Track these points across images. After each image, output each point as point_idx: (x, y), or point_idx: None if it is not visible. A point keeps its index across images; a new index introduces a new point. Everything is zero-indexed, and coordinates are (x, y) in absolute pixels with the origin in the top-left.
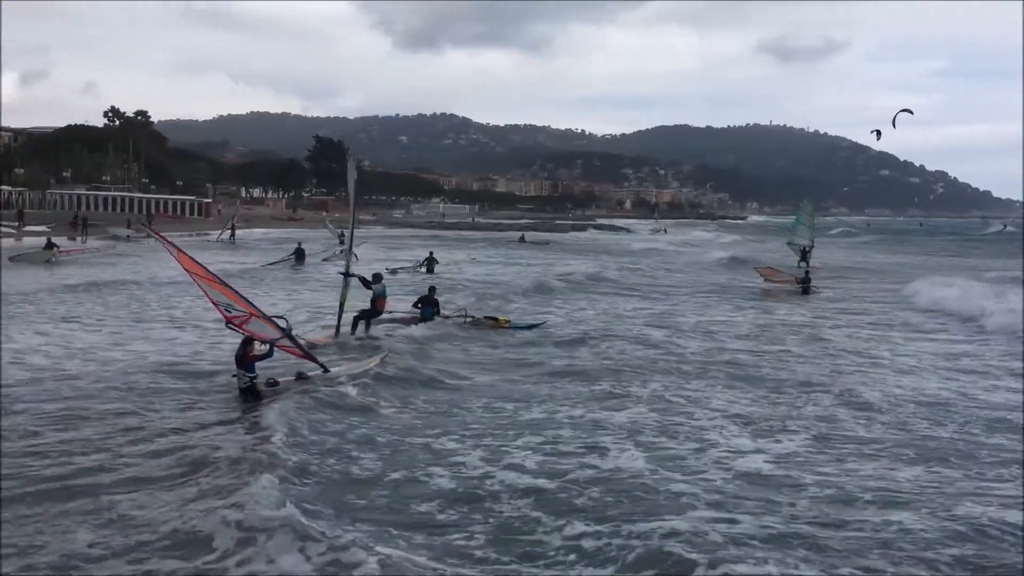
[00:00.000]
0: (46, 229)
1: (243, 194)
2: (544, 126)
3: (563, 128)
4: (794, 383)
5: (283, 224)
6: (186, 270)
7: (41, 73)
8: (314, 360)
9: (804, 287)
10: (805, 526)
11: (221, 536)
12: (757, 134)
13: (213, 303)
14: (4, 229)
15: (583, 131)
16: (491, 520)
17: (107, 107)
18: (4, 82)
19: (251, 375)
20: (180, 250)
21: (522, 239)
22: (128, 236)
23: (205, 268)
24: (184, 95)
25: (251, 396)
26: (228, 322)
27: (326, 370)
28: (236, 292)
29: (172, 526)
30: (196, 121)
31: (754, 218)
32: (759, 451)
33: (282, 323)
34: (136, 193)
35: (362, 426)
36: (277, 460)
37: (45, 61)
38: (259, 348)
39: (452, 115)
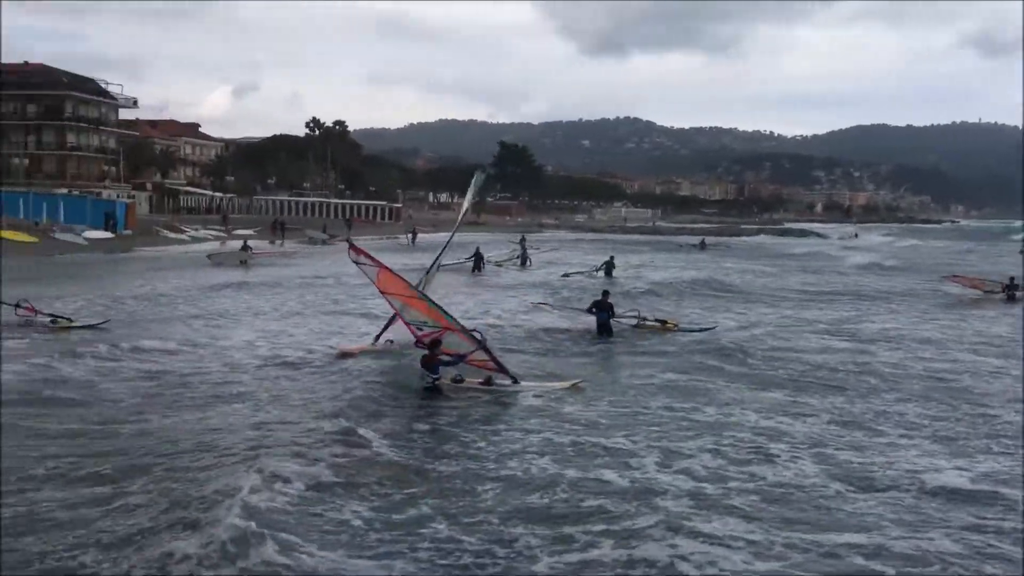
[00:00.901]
0: (252, 233)
1: (430, 199)
2: (730, 128)
3: (750, 130)
4: (997, 398)
5: (468, 228)
6: (383, 292)
7: (252, 87)
8: (505, 372)
9: (1010, 294)
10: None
11: None
12: (963, 132)
13: (405, 323)
14: (214, 232)
15: (771, 132)
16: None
17: (309, 118)
18: (220, 95)
19: (434, 376)
20: (385, 267)
21: (702, 244)
22: (324, 240)
23: (408, 284)
24: (377, 105)
25: (435, 394)
26: (418, 341)
27: (515, 381)
28: (440, 309)
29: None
30: (388, 130)
31: (963, 222)
32: (958, 470)
33: (477, 336)
34: (332, 199)
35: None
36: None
37: (256, 76)
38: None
39: (635, 119)
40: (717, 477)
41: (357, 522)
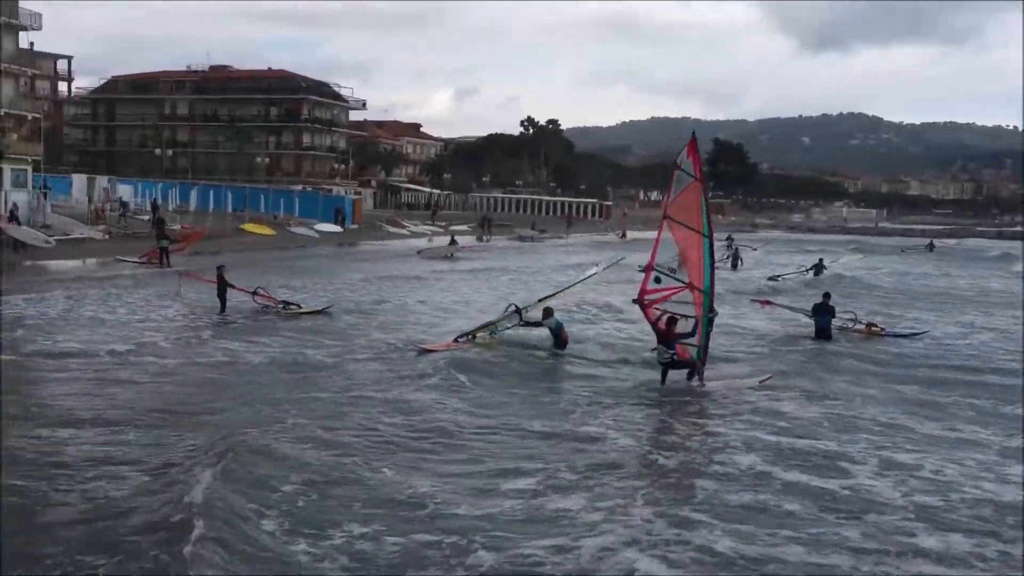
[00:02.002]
0: (467, 228)
1: (641, 196)
2: (967, 123)
3: (991, 124)
4: None
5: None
6: (669, 219)
7: (472, 90)
8: (695, 369)
9: None
10: None
11: None
12: None
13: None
14: (432, 227)
15: (1015, 127)
16: None
17: (523, 117)
18: (442, 97)
19: (671, 352)
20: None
21: (930, 246)
22: (532, 237)
23: (702, 220)
24: (590, 104)
25: (675, 367)
26: (644, 306)
27: (700, 378)
28: (708, 261)
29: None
30: (600, 128)
31: None
32: None
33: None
34: (544, 196)
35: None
36: None
37: (476, 79)
38: (682, 327)
39: (860, 114)
40: (938, 489)
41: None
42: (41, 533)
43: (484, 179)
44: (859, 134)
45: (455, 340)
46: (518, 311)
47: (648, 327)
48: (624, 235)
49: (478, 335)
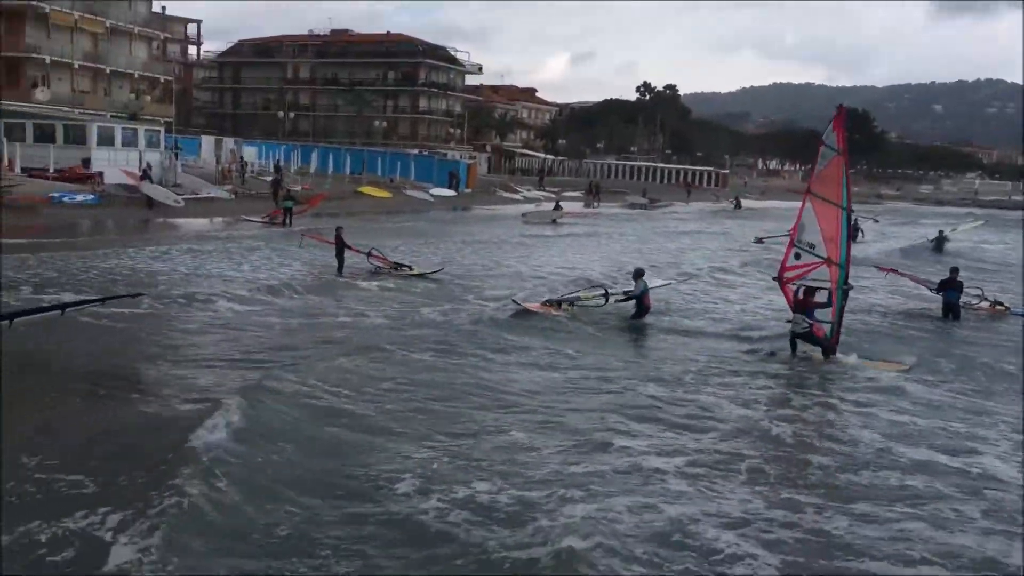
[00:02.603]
0: (579, 194)
1: (759, 165)
2: None
3: None
4: None
5: (798, 196)
6: (811, 193)
7: (588, 55)
8: (826, 347)
9: None
10: None
11: None
12: None
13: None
14: (544, 193)
15: None
16: None
17: (640, 82)
18: (558, 62)
19: (809, 322)
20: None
21: None
22: (644, 205)
23: (840, 193)
24: (710, 70)
25: (806, 340)
26: (783, 283)
27: (832, 353)
28: (845, 236)
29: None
30: (719, 94)
31: None
32: None
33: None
34: (659, 163)
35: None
36: None
37: (593, 44)
38: (819, 297)
39: (999, 80)
40: None
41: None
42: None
43: (598, 145)
44: (996, 103)
45: (545, 303)
46: (606, 295)
47: (744, 296)
48: (739, 205)
49: (563, 305)
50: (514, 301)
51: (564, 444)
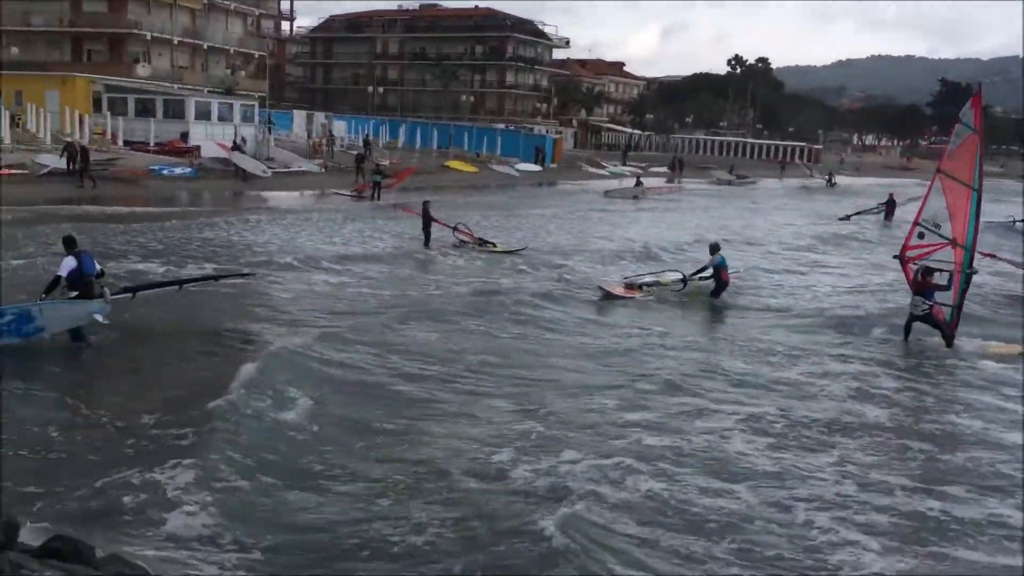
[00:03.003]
0: (667, 171)
1: (854, 141)
2: None
3: None
4: None
5: (895, 173)
6: (942, 173)
7: (679, 27)
8: (945, 332)
9: None
10: None
11: None
12: None
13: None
14: (631, 168)
15: None
16: None
17: (731, 56)
18: (648, 35)
19: (929, 303)
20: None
21: None
22: (730, 181)
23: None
24: (805, 42)
25: (926, 322)
26: (904, 262)
27: (949, 343)
28: (974, 220)
29: None
30: (814, 67)
31: None
32: None
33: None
34: (749, 138)
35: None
36: None
37: (684, 16)
38: (938, 279)
39: None
40: None
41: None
42: None
43: (687, 120)
44: None
45: (627, 286)
46: (684, 279)
47: (832, 275)
48: (832, 182)
49: (644, 288)
50: (599, 287)
51: (648, 419)
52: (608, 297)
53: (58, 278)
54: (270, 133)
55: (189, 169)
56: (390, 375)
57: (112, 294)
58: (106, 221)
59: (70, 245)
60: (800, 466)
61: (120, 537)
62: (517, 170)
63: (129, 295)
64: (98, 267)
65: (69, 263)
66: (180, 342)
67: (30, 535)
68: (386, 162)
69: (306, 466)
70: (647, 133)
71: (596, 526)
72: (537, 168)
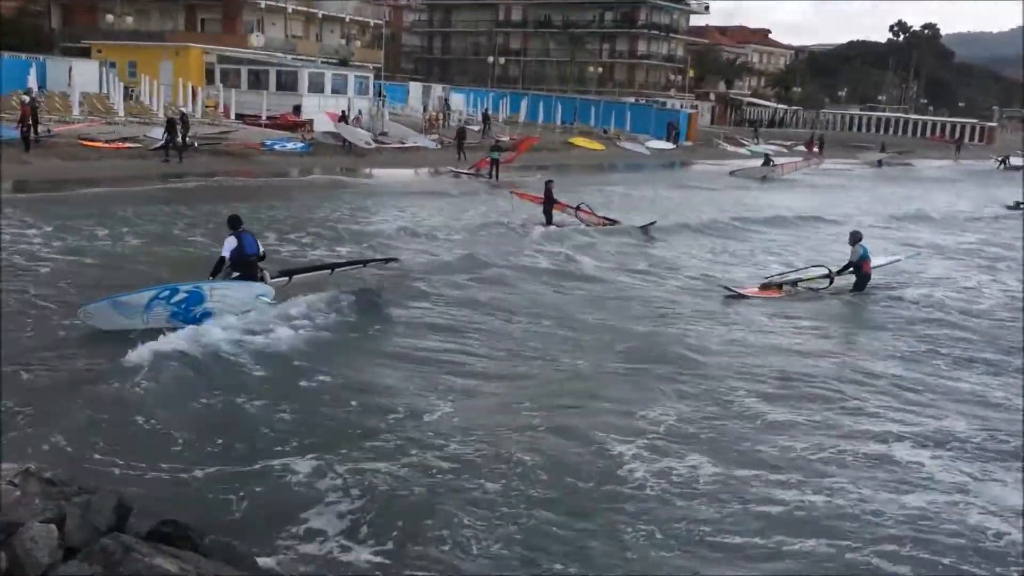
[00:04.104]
0: (803, 149)
1: None
2: None
3: None
4: None
5: None
6: None
7: None
8: None
9: None
10: None
11: None
12: None
13: None
14: (773, 147)
15: None
16: None
17: (893, 21)
18: (799, 6)
19: None
20: None
21: None
22: (879, 162)
23: None
24: (979, 6)
25: None
26: None
27: None
28: None
29: None
30: (988, 34)
31: None
32: None
33: None
34: (911, 115)
35: None
36: None
37: None
38: None
39: None
40: None
41: None
42: None
43: (839, 94)
44: None
45: (763, 286)
46: (830, 275)
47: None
48: (1008, 164)
49: (784, 287)
50: (725, 287)
51: (803, 423)
52: (736, 298)
53: (222, 259)
54: (384, 106)
55: (301, 144)
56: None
57: (271, 277)
58: (212, 199)
59: (234, 225)
60: (966, 469)
61: (233, 525)
62: (648, 148)
63: (286, 279)
64: (260, 248)
65: (230, 244)
66: None
67: (141, 519)
68: (505, 138)
69: None
70: (794, 108)
71: None
72: (670, 146)
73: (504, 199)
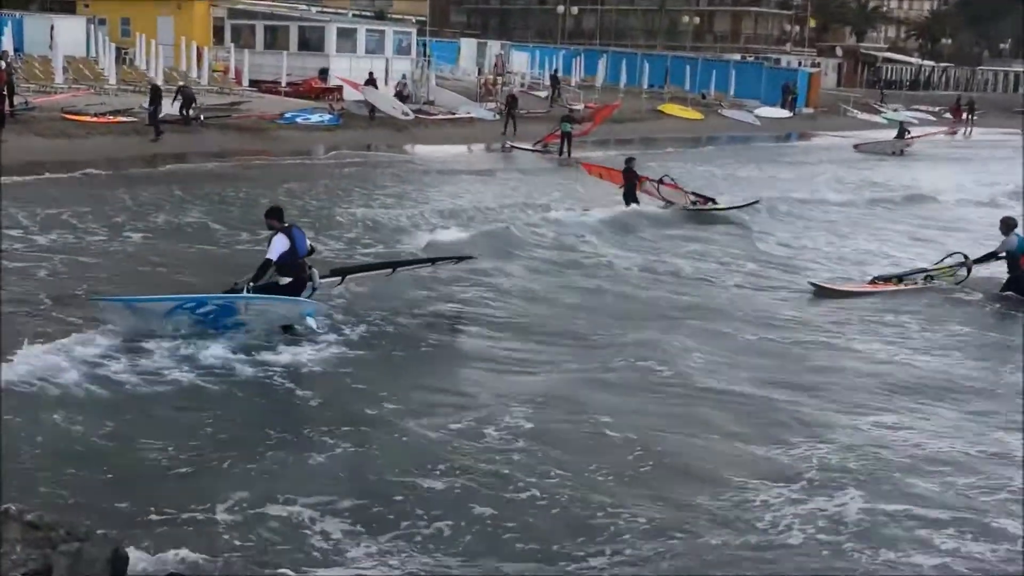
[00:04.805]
0: (949, 116)
1: None
2: None
3: None
4: None
5: None
6: None
7: None
8: None
9: None
10: None
11: None
12: None
13: None
14: (920, 115)
15: None
16: None
17: None
18: None
19: None
20: None
21: None
22: None
23: None
24: None
25: None
26: None
27: None
28: None
29: None
30: None
31: None
32: None
33: None
34: None
35: None
36: None
37: None
38: None
39: None
40: None
41: None
42: None
43: (1001, 46)
44: None
45: (872, 281)
46: (967, 265)
47: None
48: None
49: (905, 279)
50: (812, 283)
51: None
52: (824, 292)
53: (267, 263)
54: (429, 68)
55: (329, 116)
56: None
57: (320, 277)
58: (216, 182)
59: (277, 216)
60: None
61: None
62: (757, 117)
63: (338, 279)
64: (308, 244)
65: (280, 243)
66: None
67: (141, 571)
68: (579, 106)
69: None
70: (943, 65)
71: None
72: (785, 114)
73: (578, 181)
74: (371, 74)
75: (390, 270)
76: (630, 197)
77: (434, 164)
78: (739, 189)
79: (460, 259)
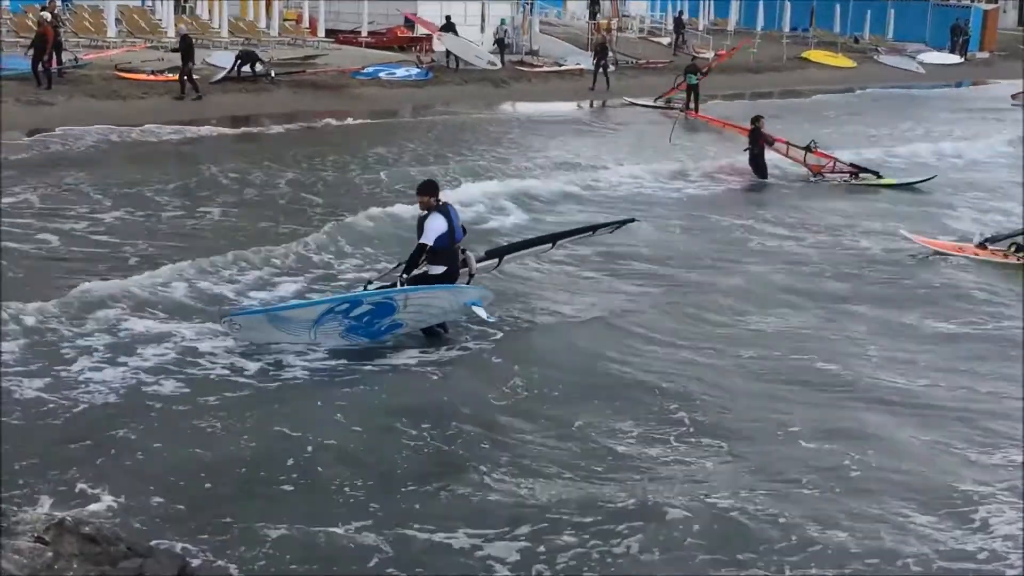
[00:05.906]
0: None
1: None
2: None
3: None
4: None
5: None
6: None
7: None
8: None
9: None
10: None
11: None
12: None
13: None
14: None
15: None
16: None
17: None
18: None
19: None
20: None
21: None
22: None
23: None
24: None
25: None
26: None
27: None
28: None
29: None
30: None
31: None
32: None
33: None
34: None
35: None
36: None
37: None
38: None
39: None
40: None
41: None
42: None
43: None
44: None
45: (980, 244)
46: None
47: None
48: None
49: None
50: (903, 235)
51: None
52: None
53: (422, 248)
54: (533, 12)
55: (417, 70)
56: None
57: (475, 261)
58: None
59: (432, 192)
60: None
61: None
62: (921, 64)
63: (494, 261)
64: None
65: (438, 225)
66: None
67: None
68: (707, 54)
69: None
70: None
71: None
72: (955, 59)
73: (707, 139)
74: (448, 18)
75: (550, 245)
76: (759, 164)
77: (540, 124)
78: (904, 156)
79: (621, 223)
